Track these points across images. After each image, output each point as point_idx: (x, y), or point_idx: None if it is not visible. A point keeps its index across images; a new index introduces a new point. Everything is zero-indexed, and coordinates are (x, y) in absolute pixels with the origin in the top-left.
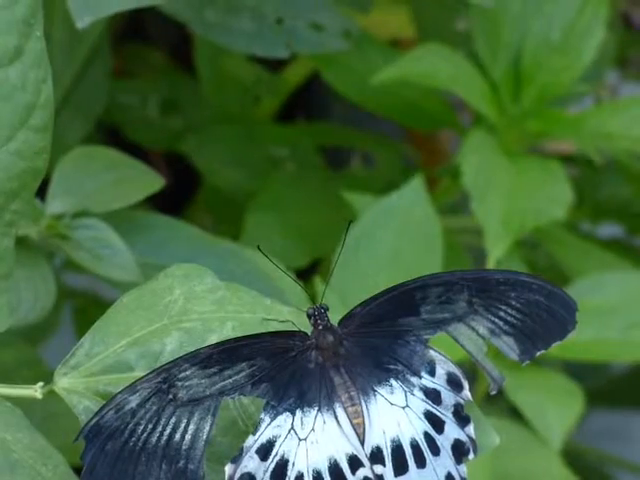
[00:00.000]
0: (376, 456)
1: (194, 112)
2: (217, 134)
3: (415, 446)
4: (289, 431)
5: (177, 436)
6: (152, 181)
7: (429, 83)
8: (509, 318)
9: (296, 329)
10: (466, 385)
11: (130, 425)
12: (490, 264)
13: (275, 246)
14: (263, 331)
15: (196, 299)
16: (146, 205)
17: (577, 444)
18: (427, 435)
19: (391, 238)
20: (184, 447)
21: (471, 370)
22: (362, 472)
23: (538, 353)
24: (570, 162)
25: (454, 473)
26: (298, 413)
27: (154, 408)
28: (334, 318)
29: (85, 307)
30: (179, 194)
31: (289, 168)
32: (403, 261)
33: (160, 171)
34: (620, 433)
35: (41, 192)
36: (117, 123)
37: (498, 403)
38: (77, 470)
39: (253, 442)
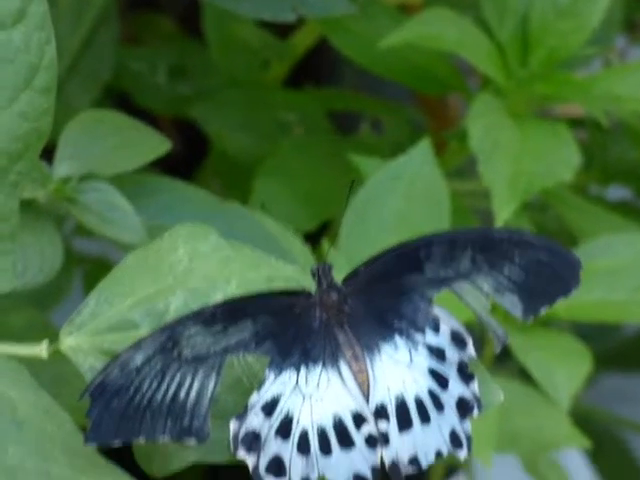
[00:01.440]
0: (380, 413)
1: (203, 78)
2: (226, 99)
3: (419, 403)
4: (293, 388)
5: (182, 393)
6: (159, 144)
7: (436, 46)
8: (513, 276)
9: (300, 288)
10: (470, 342)
11: (135, 383)
12: (498, 226)
13: (283, 210)
14: (267, 290)
15: (201, 258)
16: (155, 171)
17: (587, 406)
18: (431, 392)
19: (398, 201)
20: (189, 404)
21: (480, 334)
22: (366, 429)
23: (542, 310)
24: (578, 125)
25: (458, 430)
26: (302, 370)
27: (159, 366)
28: (341, 280)
29: (95, 273)
30: (188, 160)
31: (297, 133)
32: (410, 224)
33: (169, 137)
34: (630, 395)
35: (49, 157)
36: (126, 90)
37: (507, 366)
38: (85, 431)
39: (258, 399)
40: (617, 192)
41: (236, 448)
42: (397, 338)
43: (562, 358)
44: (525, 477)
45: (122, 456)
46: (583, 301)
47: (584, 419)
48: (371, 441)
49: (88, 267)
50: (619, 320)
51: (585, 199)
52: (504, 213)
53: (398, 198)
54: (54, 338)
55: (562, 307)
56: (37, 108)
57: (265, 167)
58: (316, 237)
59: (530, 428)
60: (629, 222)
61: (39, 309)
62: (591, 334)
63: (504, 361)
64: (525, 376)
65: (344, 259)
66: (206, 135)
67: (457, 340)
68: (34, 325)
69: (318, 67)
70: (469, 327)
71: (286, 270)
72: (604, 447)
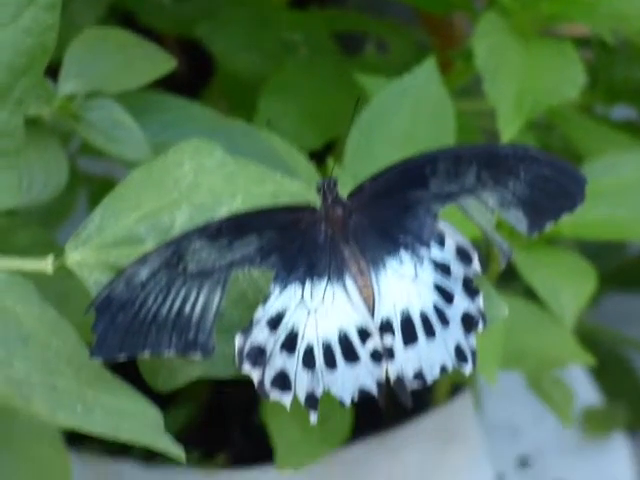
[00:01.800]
0: (385, 327)
1: None
2: (231, 19)
3: (424, 317)
4: (299, 303)
5: (187, 308)
6: (164, 62)
7: None
8: (518, 191)
9: (306, 202)
10: (475, 257)
11: (140, 297)
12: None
13: (288, 128)
14: (273, 205)
15: (206, 173)
16: (161, 91)
17: (591, 325)
18: (436, 306)
19: (404, 120)
20: (194, 319)
21: (485, 252)
22: (371, 343)
23: (547, 225)
24: (584, 45)
25: (463, 344)
26: (308, 285)
27: (164, 280)
28: (346, 195)
29: (101, 192)
30: (194, 81)
31: (303, 53)
32: (416, 143)
33: (175, 56)
34: (634, 315)
35: (54, 75)
36: (131, 9)
37: (513, 286)
38: (90, 346)
39: (263, 314)
40: (622, 112)
41: (241, 363)
42: (402, 253)
43: (567, 276)
44: (529, 394)
45: (127, 371)
46: (588, 219)
47: (588, 338)
48: (376, 356)
49: (94, 187)
50: (624, 238)
51: (590, 119)
52: (509, 132)
53: (404, 116)
54: (60, 255)
55: (567, 225)
56: (41, 24)
57: (270, 86)
58: (321, 156)
59: (535, 345)
60: (634, 141)
61: (45, 228)
62: (596, 254)
63: (509, 281)
64: (530, 296)
65: (349, 177)
66: (211, 55)
67: (462, 255)
68: (40, 243)
69: None
70: (475, 244)
71: (291, 185)
72: (608, 365)
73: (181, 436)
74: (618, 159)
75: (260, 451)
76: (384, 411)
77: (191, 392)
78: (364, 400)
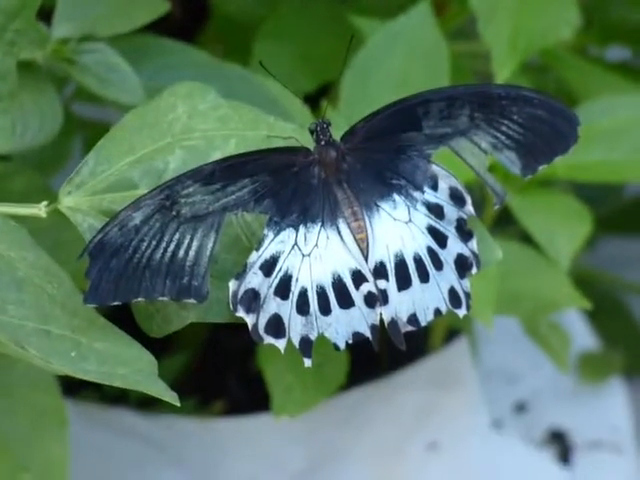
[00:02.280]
0: (379, 271)
1: None
2: None
3: (418, 261)
4: (292, 247)
5: (181, 252)
6: (158, 5)
7: None
8: (511, 132)
9: (299, 145)
10: (469, 199)
11: (134, 242)
12: None
13: (283, 72)
14: (266, 148)
15: (199, 117)
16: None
17: (588, 269)
18: (430, 250)
19: (399, 62)
20: (188, 263)
21: (480, 196)
22: (366, 287)
23: (540, 167)
24: None
25: (457, 287)
26: (301, 229)
27: (157, 225)
28: (339, 138)
29: (96, 137)
30: (189, 25)
31: None
32: (411, 85)
33: (170, 0)
34: (631, 258)
35: (47, 19)
36: None
37: (509, 230)
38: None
39: (257, 258)
40: (616, 52)
41: (235, 307)
42: (396, 196)
43: (562, 219)
44: (526, 340)
45: (122, 317)
46: (583, 161)
47: (584, 282)
48: (370, 300)
49: (89, 132)
50: (619, 180)
51: (584, 60)
52: (504, 72)
53: (398, 58)
54: (54, 201)
55: (562, 167)
56: None
57: (265, 29)
58: (316, 99)
59: (530, 289)
60: (629, 83)
61: (41, 174)
62: (592, 197)
63: (505, 225)
64: (526, 240)
65: (344, 119)
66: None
67: (456, 198)
68: (35, 189)
69: None
70: (469, 187)
71: (285, 128)
72: (604, 309)
73: (177, 384)
74: (613, 101)
75: (256, 399)
76: (380, 357)
77: (187, 339)
78: (359, 345)
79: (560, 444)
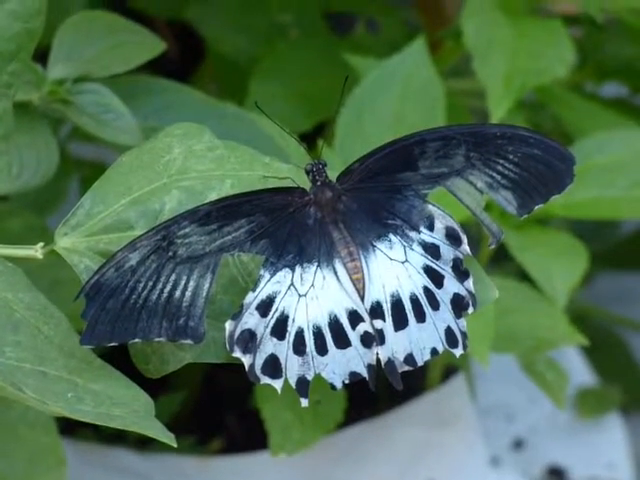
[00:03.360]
0: (376, 311)
1: None
2: (221, 1)
3: (415, 300)
4: (289, 287)
5: (177, 293)
6: (154, 45)
7: None
8: (507, 172)
9: (295, 186)
10: (465, 239)
11: (130, 283)
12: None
13: (279, 110)
14: (262, 188)
15: (195, 157)
16: (151, 74)
17: (584, 305)
18: (426, 289)
19: (394, 101)
20: (184, 304)
21: (477, 234)
22: (362, 327)
23: (536, 207)
24: (573, 23)
25: (454, 327)
26: (297, 269)
27: (154, 265)
28: (335, 178)
29: (93, 177)
30: (185, 65)
31: (293, 34)
32: (406, 123)
33: (166, 40)
34: (627, 294)
35: (43, 59)
36: None
37: (506, 267)
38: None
39: (253, 299)
40: (612, 89)
41: (232, 348)
42: (392, 236)
43: (559, 256)
44: (523, 376)
45: (118, 359)
46: (579, 198)
47: (581, 318)
48: (367, 339)
49: (86, 171)
50: (615, 217)
51: (580, 97)
52: (499, 111)
53: (393, 97)
54: (51, 242)
55: (559, 204)
56: (29, 8)
57: (261, 68)
58: (313, 138)
59: (527, 327)
60: (624, 119)
61: (38, 214)
62: (588, 234)
63: (502, 262)
64: (523, 278)
65: (340, 159)
66: (202, 39)
67: (452, 237)
68: (32, 230)
69: None
70: (466, 226)
71: (281, 168)
72: (602, 345)
73: (175, 422)
74: (608, 137)
75: (255, 437)
76: (378, 395)
77: (185, 378)
78: (356, 384)
79: None
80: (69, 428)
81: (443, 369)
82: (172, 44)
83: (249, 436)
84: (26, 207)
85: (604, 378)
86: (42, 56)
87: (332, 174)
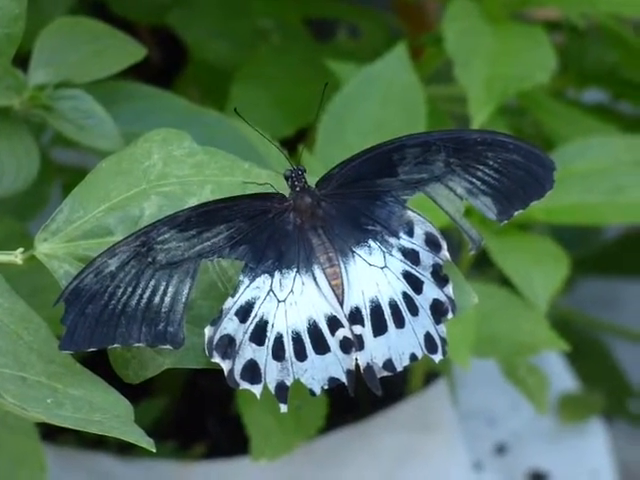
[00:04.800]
0: (355, 317)
1: None
2: (203, 6)
3: (394, 306)
4: (268, 293)
5: (156, 299)
6: (135, 51)
7: None
8: (486, 178)
9: (274, 191)
10: (444, 245)
11: (110, 288)
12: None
13: (260, 116)
14: (242, 194)
15: (175, 163)
16: (133, 80)
17: (567, 311)
18: (406, 295)
19: (375, 107)
20: (164, 310)
21: (458, 239)
22: (341, 332)
23: (516, 213)
24: (555, 29)
25: (433, 333)
26: (277, 275)
27: (133, 271)
28: (315, 184)
29: (75, 183)
30: (167, 70)
31: (275, 39)
32: (387, 129)
33: (148, 45)
34: (610, 300)
35: (24, 65)
36: None
37: (488, 272)
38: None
39: (232, 304)
40: (593, 95)
41: (211, 353)
42: (371, 242)
43: (540, 261)
44: (505, 381)
45: (98, 364)
46: (560, 204)
47: (563, 323)
48: (346, 345)
49: (68, 177)
50: (596, 223)
51: (561, 103)
52: (480, 116)
53: (374, 103)
54: (31, 247)
55: (539, 210)
56: (8, 14)
57: (242, 73)
58: (294, 143)
59: (508, 332)
60: (605, 125)
61: (19, 220)
62: (570, 240)
63: (484, 267)
64: (505, 283)
65: (321, 165)
66: (184, 44)
67: (432, 243)
68: (13, 236)
69: None
70: (447, 233)
71: (260, 174)
72: (584, 350)
73: (157, 427)
74: (589, 143)
75: (237, 442)
76: (360, 400)
77: (167, 383)
78: (337, 389)
79: None
80: (50, 433)
81: (425, 374)
82: (154, 50)
83: (231, 441)
84: (7, 213)
85: (586, 383)
86: (23, 61)
87: (312, 180)
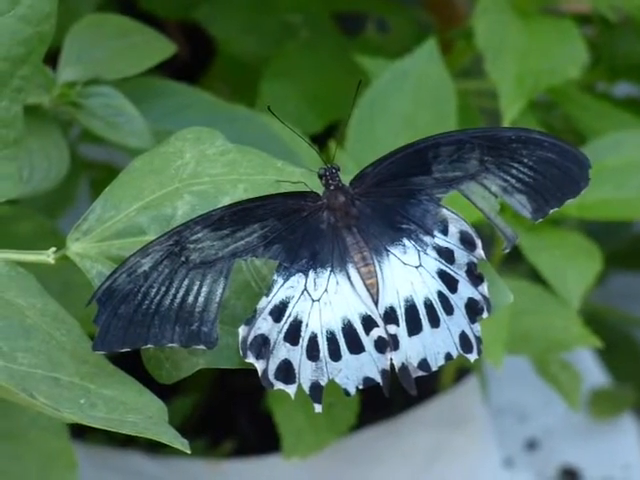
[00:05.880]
0: (390, 316)
1: None
2: (231, 2)
3: (429, 305)
4: (302, 292)
5: (190, 298)
6: (164, 47)
7: None
8: (521, 176)
9: (308, 190)
10: (479, 243)
11: (143, 288)
12: (505, 125)
13: (290, 112)
14: (275, 193)
15: (207, 162)
16: (161, 76)
17: (597, 305)
18: (441, 294)
19: (406, 102)
20: (197, 309)
21: (490, 234)
22: (376, 332)
23: (551, 211)
24: (585, 22)
25: (468, 332)
26: (311, 274)
27: (166, 271)
28: (349, 182)
29: (103, 179)
30: (195, 66)
31: (303, 35)
32: (418, 124)
33: (176, 41)
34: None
35: (54, 62)
36: None
37: (518, 268)
38: (94, 338)
39: (266, 304)
40: (624, 88)
41: (245, 353)
42: (406, 241)
43: (572, 257)
44: (537, 377)
45: (131, 364)
46: (592, 199)
47: (594, 318)
48: (381, 345)
49: (95, 173)
50: (628, 217)
51: (592, 96)
52: (511, 112)
53: (405, 98)
54: (62, 245)
55: (572, 206)
56: (39, 12)
57: (271, 69)
58: (324, 138)
59: (541, 328)
60: (636, 119)
61: (48, 217)
62: (601, 233)
63: (515, 263)
64: (536, 278)
65: (352, 161)
66: (213, 40)
67: (466, 242)
68: (43, 233)
69: None
70: (479, 228)
71: (293, 173)
72: (615, 346)
73: (186, 424)
74: (621, 137)
75: (266, 438)
76: (391, 398)
77: (197, 380)
78: (369, 388)
79: None
80: (80, 432)
81: (456, 370)
82: (182, 45)
83: (261, 438)
84: (36, 210)
85: (618, 378)
86: (52, 58)
87: (345, 177)
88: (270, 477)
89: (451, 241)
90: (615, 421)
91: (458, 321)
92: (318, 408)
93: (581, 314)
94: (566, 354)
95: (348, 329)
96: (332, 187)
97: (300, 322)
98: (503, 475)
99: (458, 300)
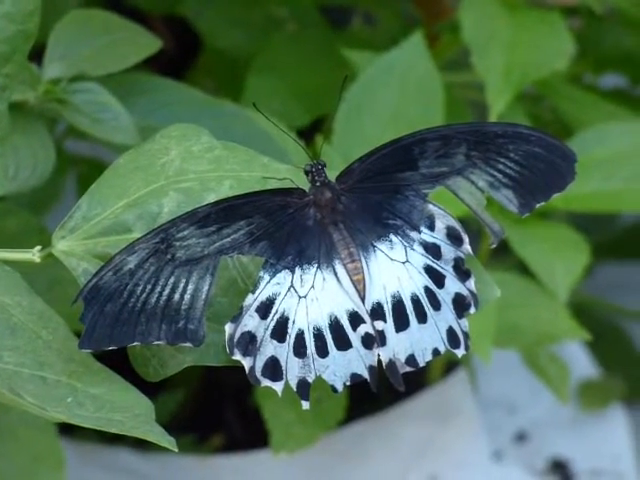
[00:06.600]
0: (377, 312)
1: None
2: None
3: (416, 301)
4: (289, 289)
5: (176, 296)
6: (150, 43)
7: None
8: (508, 171)
9: (294, 186)
10: (466, 239)
11: (129, 286)
12: (492, 118)
13: (276, 106)
14: (261, 189)
15: (193, 159)
16: (147, 71)
17: (585, 296)
18: (428, 290)
19: (392, 94)
20: (183, 307)
21: (477, 229)
22: (363, 328)
23: (537, 205)
24: (572, 14)
25: (455, 327)
26: (297, 271)
27: (152, 268)
28: (335, 178)
29: (89, 175)
30: (180, 60)
31: (290, 28)
32: (405, 118)
33: (161, 36)
34: (628, 285)
35: (39, 59)
36: None
37: (505, 261)
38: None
39: (253, 300)
40: (611, 80)
41: (232, 351)
42: (392, 236)
43: (560, 250)
44: (525, 369)
45: (117, 361)
46: (579, 192)
47: (582, 310)
48: (368, 341)
49: (82, 169)
50: (615, 210)
51: (579, 88)
52: (498, 104)
53: (392, 91)
54: (49, 242)
55: (559, 198)
56: (23, 10)
57: (257, 63)
58: (310, 133)
59: (529, 321)
60: (623, 110)
61: (34, 213)
62: (588, 225)
63: (502, 256)
64: (524, 271)
65: (339, 155)
66: (198, 34)
67: (453, 237)
68: (29, 229)
69: None
70: (466, 223)
71: (279, 169)
72: (604, 337)
73: (174, 420)
74: (608, 129)
75: (254, 433)
76: (379, 392)
77: (184, 376)
78: (358, 383)
79: (561, 473)
80: (68, 429)
81: (444, 364)
82: (168, 39)
83: (249, 432)
84: (22, 206)
85: (606, 369)
86: (38, 55)
87: (331, 172)
88: (259, 472)
89: (438, 236)
90: (604, 412)
91: (445, 316)
92: (305, 405)
93: (569, 306)
94: (555, 346)
95: (335, 325)
96: (318, 183)
97: (287, 319)
98: (492, 468)
99: (445, 295)
